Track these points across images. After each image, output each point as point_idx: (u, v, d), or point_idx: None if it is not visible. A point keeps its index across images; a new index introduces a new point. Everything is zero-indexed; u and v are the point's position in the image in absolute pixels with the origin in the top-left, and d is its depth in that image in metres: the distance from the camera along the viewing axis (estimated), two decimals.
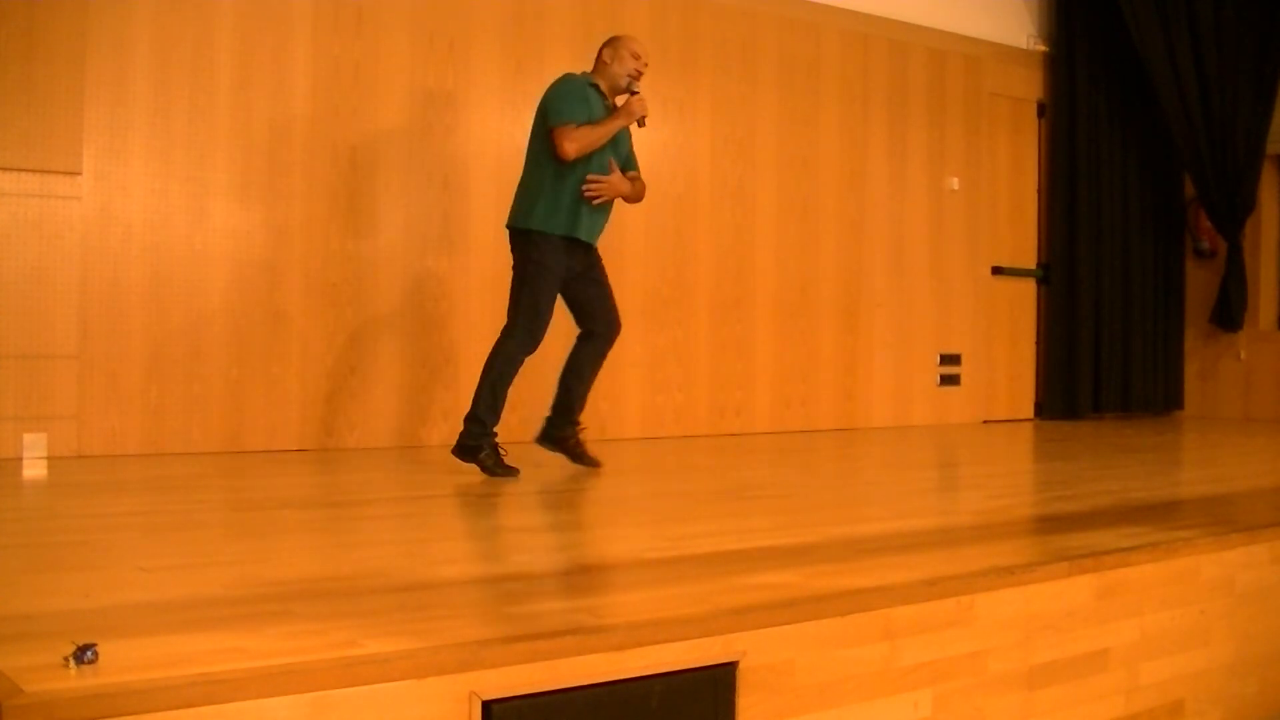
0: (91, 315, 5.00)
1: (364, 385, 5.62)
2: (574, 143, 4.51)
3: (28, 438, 4.86)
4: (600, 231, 4.79)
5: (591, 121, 4.58)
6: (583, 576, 2.82)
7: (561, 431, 4.86)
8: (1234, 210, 8.33)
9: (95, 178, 5.01)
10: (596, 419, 6.24)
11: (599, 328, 4.83)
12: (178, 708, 1.72)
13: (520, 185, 4.70)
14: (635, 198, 4.84)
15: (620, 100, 4.74)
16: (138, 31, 5.08)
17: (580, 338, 4.86)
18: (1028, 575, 2.84)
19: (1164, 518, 3.79)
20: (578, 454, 4.86)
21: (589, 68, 4.84)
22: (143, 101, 5.09)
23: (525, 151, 4.73)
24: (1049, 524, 3.80)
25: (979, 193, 7.95)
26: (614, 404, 6.32)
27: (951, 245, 7.79)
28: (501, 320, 5.98)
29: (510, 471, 4.58)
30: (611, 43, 4.82)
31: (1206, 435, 7.58)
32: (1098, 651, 2.99)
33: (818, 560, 2.98)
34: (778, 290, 6.98)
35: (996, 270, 8.09)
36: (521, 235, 4.62)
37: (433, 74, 5.80)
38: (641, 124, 4.72)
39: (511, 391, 5.99)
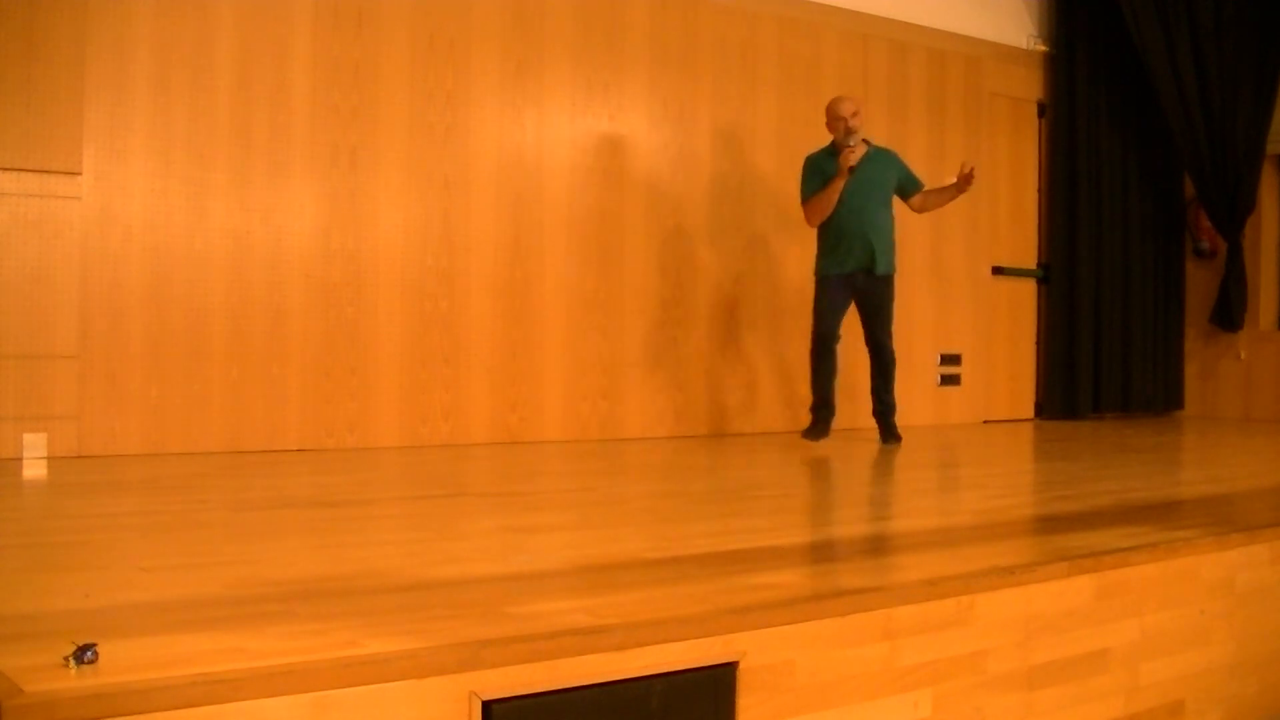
0: (91, 315, 5.00)
1: (364, 385, 5.62)
2: (809, 214, 6.01)
3: (28, 438, 4.86)
4: None
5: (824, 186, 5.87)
6: (583, 576, 2.82)
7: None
8: (1234, 210, 8.33)
9: (95, 178, 5.01)
10: (596, 418, 6.24)
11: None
12: (178, 708, 1.72)
13: (890, 234, 5.97)
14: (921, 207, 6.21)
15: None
16: (138, 31, 5.08)
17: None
18: (1028, 575, 2.84)
19: (1164, 518, 3.79)
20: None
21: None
22: (143, 101, 5.09)
23: (880, 199, 5.92)
24: (1049, 524, 3.80)
25: (979, 193, 7.94)
26: (614, 404, 6.32)
27: (951, 245, 7.80)
28: (503, 320, 6.00)
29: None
30: (827, 110, 5.95)
31: (1206, 435, 7.58)
32: (1098, 651, 2.99)
33: (818, 560, 2.99)
34: (778, 290, 6.98)
35: (996, 270, 8.09)
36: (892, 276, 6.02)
37: (433, 74, 5.80)
38: (853, 172, 5.78)
39: (512, 393, 6.01)
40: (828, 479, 5.15)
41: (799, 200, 6.03)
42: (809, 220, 5.96)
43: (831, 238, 5.93)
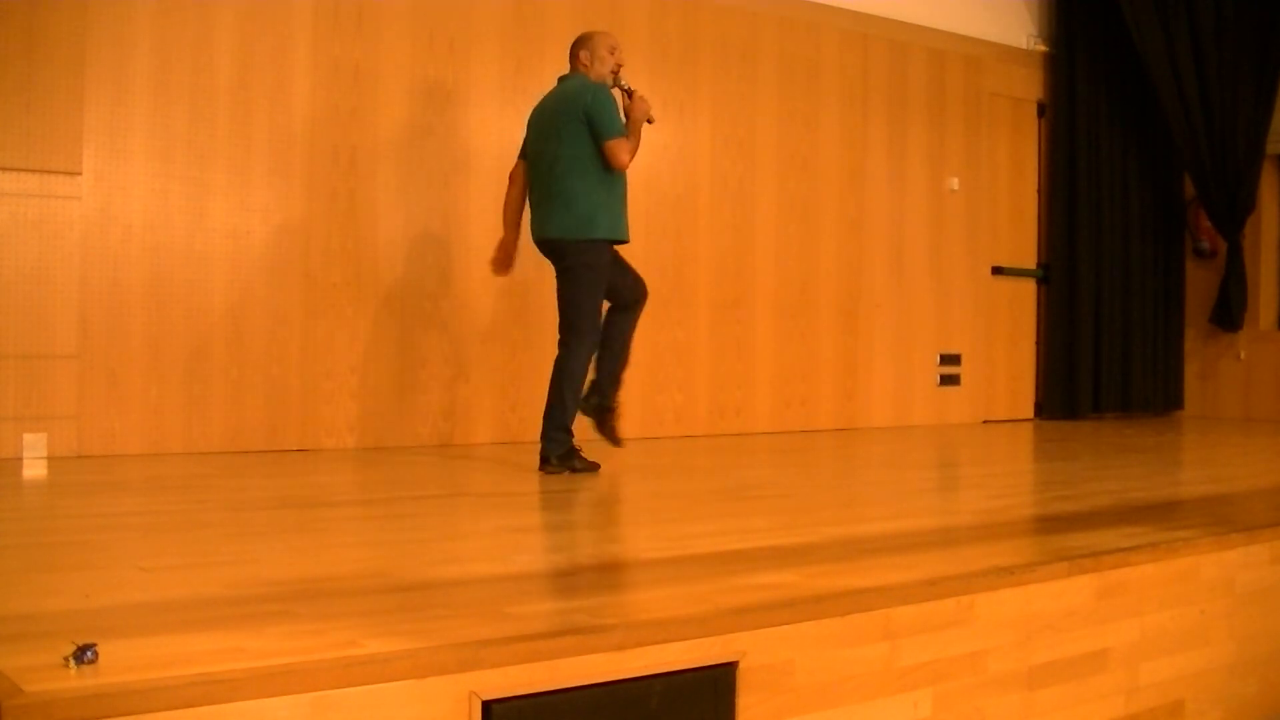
0: (91, 315, 5.00)
1: (364, 385, 5.62)
2: (629, 155, 4.66)
3: (28, 438, 4.86)
4: None
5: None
6: (582, 576, 2.82)
7: (607, 401, 4.91)
8: (1234, 210, 8.33)
9: (95, 178, 5.01)
10: None
11: (635, 295, 4.90)
12: (178, 708, 1.72)
13: (567, 194, 4.65)
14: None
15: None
16: (138, 31, 5.08)
17: (613, 309, 4.87)
18: (1028, 575, 2.84)
19: (1164, 518, 3.79)
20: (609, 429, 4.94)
21: (570, 44, 4.90)
22: (143, 101, 5.09)
23: (554, 158, 4.68)
24: (1049, 524, 3.80)
25: (979, 193, 7.95)
26: None
27: (951, 245, 7.80)
28: (503, 320, 5.99)
29: (595, 466, 4.73)
30: (585, 43, 4.86)
31: (1206, 435, 7.58)
32: (1098, 651, 2.99)
33: (818, 560, 2.98)
34: (778, 290, 6.98)
35: (996, 270, 8.09)
36: (584, 245, 4.66)
37: (433, 74, 5.80)
38: (650, 121, 4.80)
39: (513, 392, 6.02)
40: (827, 479, 5.15)
41: (616, 140, 4.63)
42: (626, 161, 4.65)
43: (619, 192, 4.76)
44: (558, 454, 4.65)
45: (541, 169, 4.76)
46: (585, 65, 4.82)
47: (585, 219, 4.65)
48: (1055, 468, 5.56)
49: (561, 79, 4.92)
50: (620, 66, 4.85)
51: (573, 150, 4.65)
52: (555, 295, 4.80)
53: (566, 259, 4.70)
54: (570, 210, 4.65)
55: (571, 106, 4.66)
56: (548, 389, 4.72)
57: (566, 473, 4.63)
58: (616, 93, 4.81)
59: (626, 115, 4.72)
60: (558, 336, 4.78)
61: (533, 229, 4.84)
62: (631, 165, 5.23)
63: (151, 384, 5.14)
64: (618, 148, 4.61)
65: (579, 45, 4.87)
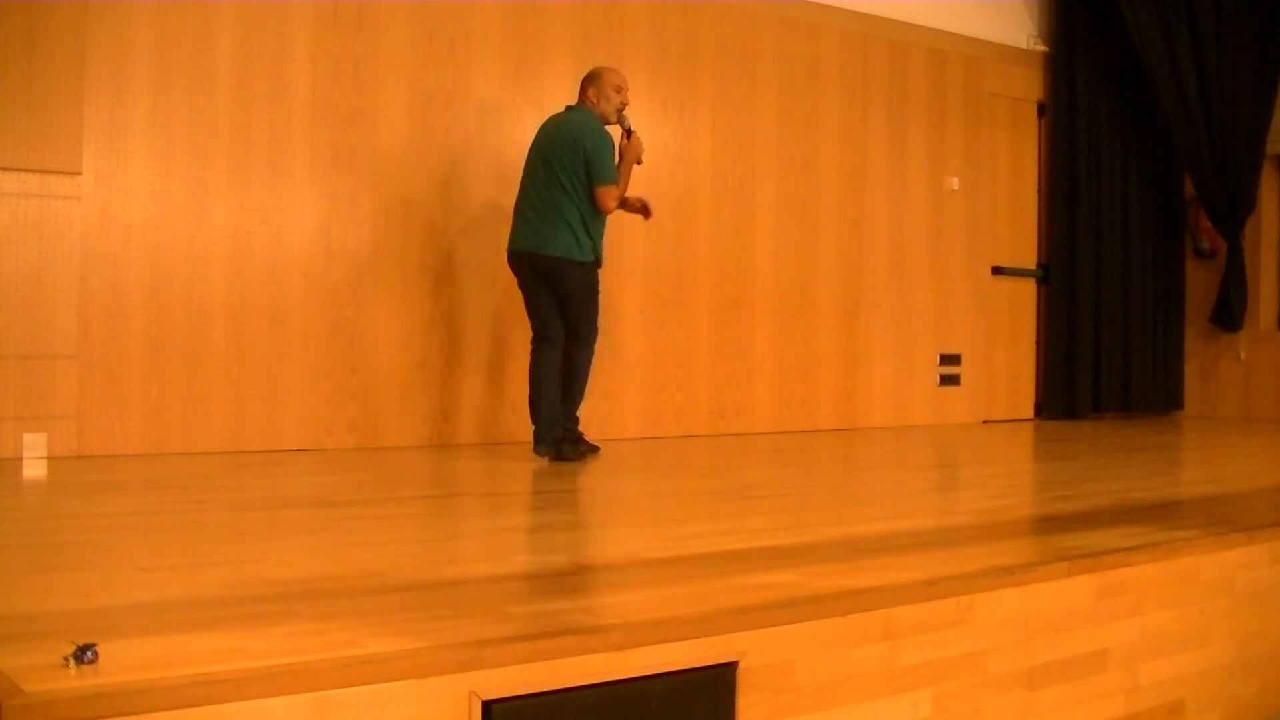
0: (91, 315, 5.00)
1: (364, 385, 5.62)
2: (615, 201, 5.10)
3: (28, 438, 4.86)
4: None
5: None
6: (583, 576, 2.82)
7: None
8: (1234, 210, 8.33)
9: (95, 178, 5.01)
10: (596, 419, 6.24)
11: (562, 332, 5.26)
12: (178, 708, 1.72)
13: (564, 218, 5.03)
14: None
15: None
16: (138, 31, 5.08)
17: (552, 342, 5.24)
18: (1028, 575, 2.84)
19: (1164, 518, 3.79)
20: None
21: (582, 77, 5.11)
22: (143, 101, 5.09)
23: (552, 184, 5.03)
24: (1049, 524, 3.80)
25: (979, 193, 7.95)
26: (614, 404, 6.32)
27: (951, 245, 7.80)
28: (503, 320, 5.99)
29: (596, 449, 5.32)
30: (594, 80, 5.21)
31: (1206, 435, 7.58)
32: (1098, 651, 2.99)
33: (818, 560, 2.99)
34: (778, 290, 6.98)
35: (996, 270, 8.09)
36: (589, 265, 5.11)
37: (433, 74, 5.80)
38: (639, 163, 5.19)
39: (512, 393, 6.02)
40: (827, 479, 5.15)
41: (609, 179, 5.04)
42: (612, 207, 5.10)
43: (602, 222, 5.17)
44: (571, 440, 5.14)
45: (538, 190, 5.09)
46: (592, 102, 5.17)
47: (581, 243, 5.06)
48: (1055, 468, 5.56)
49: (569, 109, 5.22)
50: (625, 105, 5.19)
51: (571, 181, 5.01)
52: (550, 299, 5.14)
53: (568, 280, 5.06)
54: (572, 232, 5.03)
55: (575, 143, 5.01)
56: (549, 384, 5.11)
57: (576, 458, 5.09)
58: (616, 130, 5.14)
59: (621, 154, 5.09)
60: (533, 332, 5.22)
61: (523, 243, 5.13)
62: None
63: (151, 384, 5.14)
64: (607, 194, 5.03)
65: (588, 82, 5.21)
